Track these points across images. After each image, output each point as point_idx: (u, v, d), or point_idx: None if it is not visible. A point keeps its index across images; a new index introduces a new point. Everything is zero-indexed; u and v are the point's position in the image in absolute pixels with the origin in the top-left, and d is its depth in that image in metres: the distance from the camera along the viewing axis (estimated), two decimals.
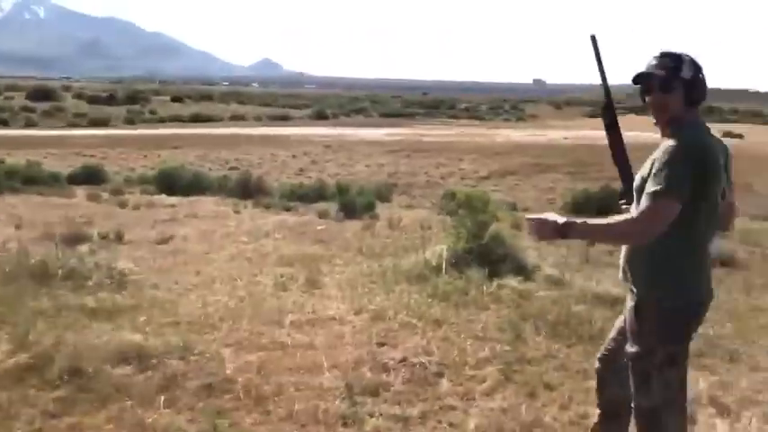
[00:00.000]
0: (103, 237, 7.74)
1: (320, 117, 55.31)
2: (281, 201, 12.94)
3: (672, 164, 2.17)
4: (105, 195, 12.78)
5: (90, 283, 5.30)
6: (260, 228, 9.13)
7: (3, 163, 16.77)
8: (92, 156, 24.67)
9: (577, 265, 7.33)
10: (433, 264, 6.34)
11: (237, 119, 50.37)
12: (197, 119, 47.45)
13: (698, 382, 3.72)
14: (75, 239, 7.31)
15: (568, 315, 4.90)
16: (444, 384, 3.67)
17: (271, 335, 4.38)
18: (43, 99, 57.07)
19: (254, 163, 25.05)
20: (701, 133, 2.30)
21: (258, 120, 50.78)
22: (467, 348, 4.20)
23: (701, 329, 4.89)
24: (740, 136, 46.09)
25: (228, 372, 3.71)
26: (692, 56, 2.30)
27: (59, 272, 5.31)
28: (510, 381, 3.73)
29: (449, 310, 5.01)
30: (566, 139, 39.85)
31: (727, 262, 8.90)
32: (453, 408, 3.41)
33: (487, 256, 6.37)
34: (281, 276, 5.97)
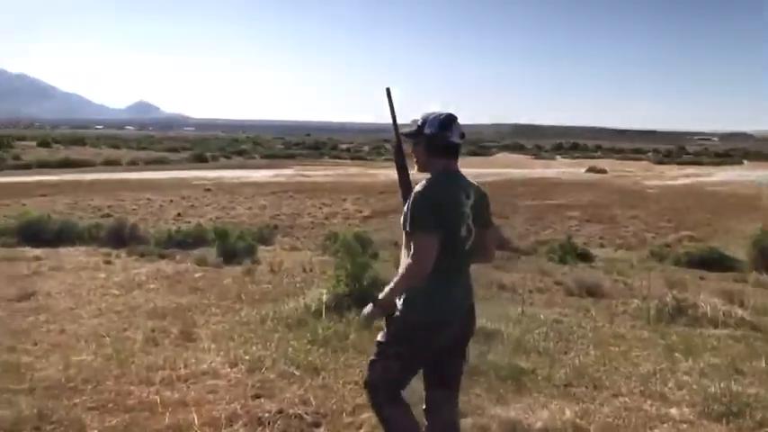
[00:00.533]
0: None
1: (199, 160, 54.00)
2: (157, 248, 12.39)
3: (414, 206, 2.67)
4: None
5: None
6: (132, 278, 8.69)
7: None
8: None
9: None
10: (313, 308, 6.30)
11: (111, 164, 48.13)
12: (67, 164, 44.84)
13: (564, 412, 3.89)
14: None
15: None
16: None
17: (139, 394, 4.14)
18: None
19: (129, 209, 23.99)
20: (444, 179, 2.77)
21: (134, 164, 48.79)
22: (345, 395, 4.16)
23: (567, 359, 5.16)
24: (604, 171, 49.56)
25: None
26: (444, 117, 2.79)
27: None
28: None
29: (328, 356, 4.97)
30: None
31: (593, 291, 9.47)
32: None
33: (367, 299, 6.40)
34: (153, 330, 5.70)
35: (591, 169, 50.61)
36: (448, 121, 2.78)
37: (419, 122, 2.82)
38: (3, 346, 5.16)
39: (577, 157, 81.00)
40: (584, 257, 14.70)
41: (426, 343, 2.74)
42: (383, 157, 69.95)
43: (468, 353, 3.07)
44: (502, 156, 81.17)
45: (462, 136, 2.83)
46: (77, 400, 4.01)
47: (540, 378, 4.64)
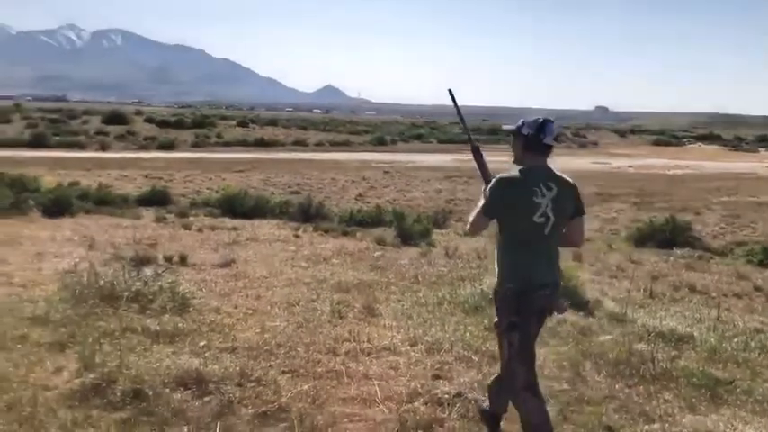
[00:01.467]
0: (168, 259, 7.96)
1: (379, 143, 55.67)
2: (341, 226, 13.04)
3: (488, 190, 3.17)
4: (171, 217, 13.14)
5: (154, 305, 5.47)
6: (319, 253, 9.22)
7: (77, 185, 17.46)
8: (159, 178, 25.51)
9: (641, 300, 7.11)
10: (490, 296, 6.27)
11: (300, 144, 51.18)
12: (261, 143, 48.39)
13: None
14: (142, 261, 7.55)
15: (630, 353, 4.76)
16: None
17: (326, 363, 4.41)
18: (117, 123, 59.19)
19: (315, 187, 25.38)
20: (525, 173, 3.15)
21: (320, 145, 51.49)
22: None
23: None
24: None
25: (283, 400, 3.74)
26: (541, 121, 3.17)
27: (126, 294, 5.48)
28: (568, 421, 3.63)
29: None
30: (630, 167, 39.02)
31: None
32: None
33: None
34: (338, 303, 6.01)
35: None
36: (543, 124, 3.17)
37: (518, 124, 3.24)
38: (210, 306, 5.73)
39: None
40: None
41: (525, 307, 3.07)
42: (562, 144, 67.58)
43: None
44: (696, 147, 75.03)
45: (556, 138, 3.22)
46: (273, 363, 4.36)
47: (739, 391, 4.27)
